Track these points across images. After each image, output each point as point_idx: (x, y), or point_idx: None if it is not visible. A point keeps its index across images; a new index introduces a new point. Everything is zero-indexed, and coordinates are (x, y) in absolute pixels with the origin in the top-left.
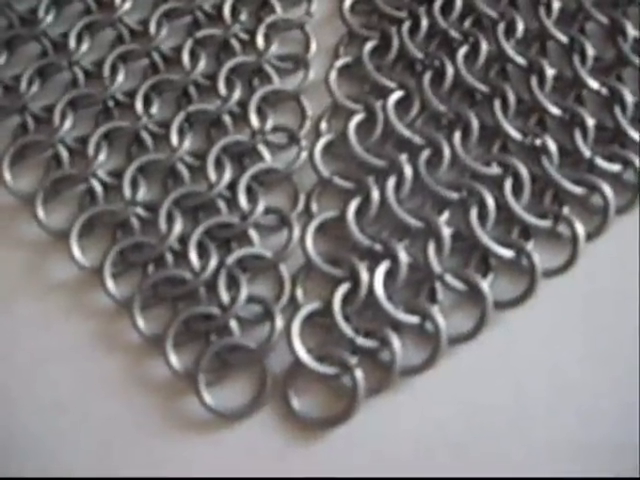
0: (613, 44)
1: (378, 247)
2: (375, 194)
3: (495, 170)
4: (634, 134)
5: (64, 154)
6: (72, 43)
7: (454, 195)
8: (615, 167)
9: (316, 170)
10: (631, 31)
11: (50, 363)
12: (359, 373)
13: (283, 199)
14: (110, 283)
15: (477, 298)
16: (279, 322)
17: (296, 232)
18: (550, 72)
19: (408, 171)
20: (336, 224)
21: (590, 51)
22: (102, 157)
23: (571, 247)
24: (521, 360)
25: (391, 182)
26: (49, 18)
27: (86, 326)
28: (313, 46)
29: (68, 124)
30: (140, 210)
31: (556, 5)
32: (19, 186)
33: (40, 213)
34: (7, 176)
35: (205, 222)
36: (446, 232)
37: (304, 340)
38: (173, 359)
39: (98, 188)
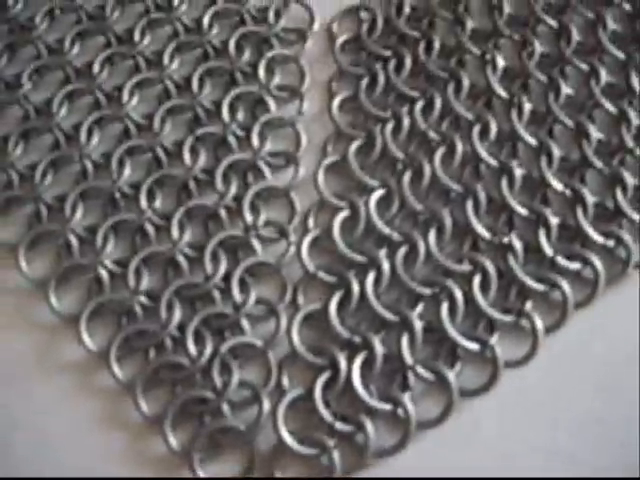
0: (578, 146)
1: (357, 339)
2: (356, 288)
3: (466, 267)
4: (593, 234)
5: (74, 243)
6: (83, 137)
7: (427, 290)
8: (575, 265)
9: (303, 264)
10: (594, 134)
11: (58, 439)
12: (336, 454)
13: (272, 290)
14: (115, 366)
15: (445, 387)
16: (266, 406)
17: (283, 322)
18: (519, 173)
19: (386, 267)
20: (319, 316)
21: (557, 153)
22: (109, 247)
23: (532, 340)
24: (485, 445)
25: (370, 277)
26: (62, 111)
27: (92, 405)
28: (303, 143)
29: (79, 214)
30: (143, 299)
31: (527, 107)
32: (33, 272)
33: (52, 298)
34: (23, 263)
35: (202, 312)
36: (418, 326)
37: (287, 423)
38: (171, 438)
39: (105, 276)
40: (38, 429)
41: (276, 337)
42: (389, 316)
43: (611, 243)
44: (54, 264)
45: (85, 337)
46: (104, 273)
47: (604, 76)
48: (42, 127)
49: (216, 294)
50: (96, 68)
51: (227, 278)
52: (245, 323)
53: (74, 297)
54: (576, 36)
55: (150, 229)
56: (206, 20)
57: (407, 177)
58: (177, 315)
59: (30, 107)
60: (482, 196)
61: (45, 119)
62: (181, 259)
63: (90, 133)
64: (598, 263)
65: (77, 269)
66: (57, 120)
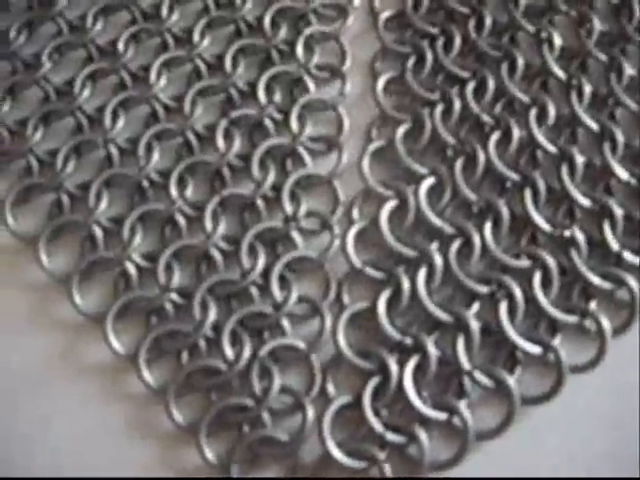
0: None
1: (408, 341)
2: (406, 285)
3: (524, 263)
4: None
5: (99, 235)
6: (107, 120)
7: (484, 288)
8: None
9: (348, 259)
10: None
11: (83, 447)
12: (387, 468)
13: (315, 287)
14: (145, 370)
15: (504, 394)
16: (310, 414)
17: (328, 322)
18: (580, 160)
19: (439, 262)
20: (367, 315)
21: (620, 138)
22: (137, 240)
23: (598, 343)
24: (548, 456)
25: (422, 273)
26: (85, 93)
27: (120, 411)
28: (346, 127)
29: (103, 204)
30: (175, 296)
31: (587, 89)
32: (54, 267)
33: (75, 296)
34: (43, 257)
35: (239, 312)
36: (475, 327)
37: (334, 433)
38: (206, 449)
39: (133, 272)
40: (61, 436)
41: (320, 339)
42: (443, 316)
43: None
44: (77, 258)
45: (112, 338)
46: (131, 268)
47: None
48: (63, 110)
49: (254, 292)
50: (121, 46)
51: (266, 274)
52: (286, 323)
53: (99, 294)
54: (638, 12)
55: (181, 220)
56: None
57: (459, 164)
58: (212, 315)
59: (50, 88)
60: (541, 185)
61: (66, 101)
62: (215, 253)
63: (115, 116)
64: None
65: (102, 263)
66: (79, 102)
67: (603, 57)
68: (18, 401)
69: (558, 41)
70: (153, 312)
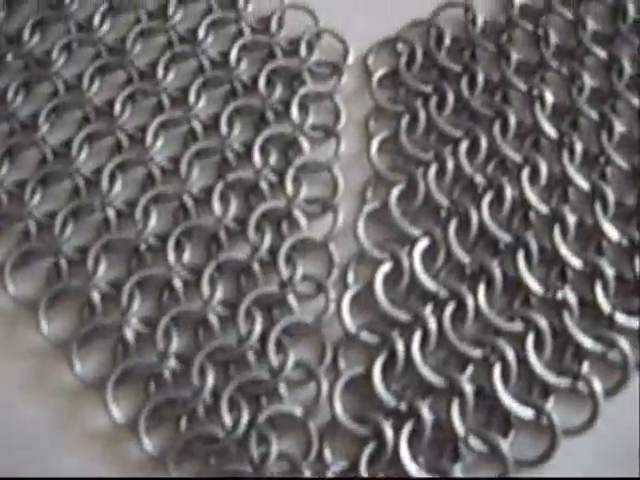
0: (634, 190)
1: (403, 406)
2: (400, 350)
3: (517, 326)
4: None
5: (97, 300)
6: (104, 183)
7: (477, 352)
8: (634, 322)
9: (343, 324)
10: None
11: None
12: None
13: (311, 352)
14: (145, 439)
15: (498, 458)
16: None
17: (324, 387)
18: (572, 220)
19: (433, 325)
20: (362, 380)
21: (611, 198)
22: (136, 305)
23: (591, 405)
24: None
25: (416, 337)
26: (82, 155)
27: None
28: (341, 189)
29: (102, 269)
30: (173, 362)
31: (578, 147)
32: (53, 332)
33: (75, 362)
34: (43, 322)
35: (237, 378)
36: (469, 391)
37: None
38: None
39: (131, 337)
40: None
41: (317, 404)
42: (437, 380)
43: None
44: (76, 323)
45: (112, 406)
46: (130, 334)
47: None
48: (61, 172)
49: (251, 357)
50: (117, 107)
51: (262, 339)
52: (283, 389)
53: (98, 360)
54: (628, 68)
55: (179, 285)
56: (234, 54)
57: (453, 226)
58: (210, 381)
59: (48, 150)
60: (533, 246)
61: (64, 163)
62: (213, 318)
63: (112, 179)
64: None
65: (101, 329)
66: (77, 165)
67: (594, 115)
68: (17, 469)
69: (550, 98)
70: (152, 378)
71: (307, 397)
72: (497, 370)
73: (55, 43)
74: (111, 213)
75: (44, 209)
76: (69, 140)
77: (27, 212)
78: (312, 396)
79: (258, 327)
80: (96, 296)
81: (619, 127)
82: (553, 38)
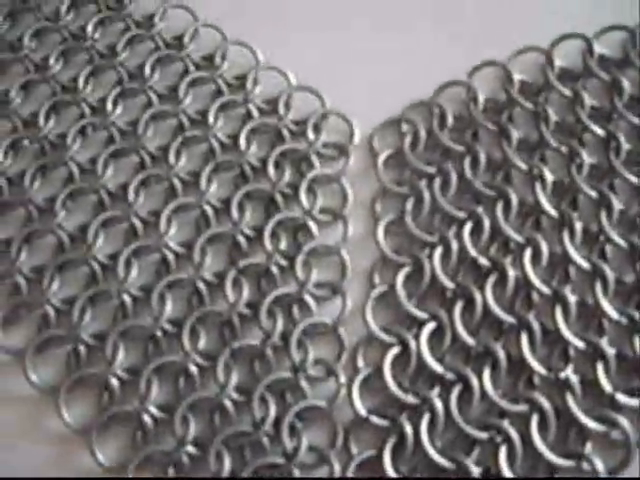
0: (633, 268)
1: None
2: (409, 433)
3: (522, 407)
4: None
5: (116, 386)
6: (120, 269)
7: (483, 435)
8: (636, 402)
9: (354, 408)
10: None
11: None
12: None
13: (323, 435)
14: None
15: None
16: None
17: (337, 470)
18: (573, 300)
19: (440, 408)
20: (373, 463)
21: (611, 276)
22: (154, 392)
23: None
24: None
25: (424, 420)
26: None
27: None
28: (349, 272)
29: (120, 356)
30: (191, 448)
31: (578, 226)
32: (74, 418)
33: (96, 449)
34: (63, 409)
35: (252, 463)
36: (475, 472)
37: None
38: None
39: (149, 423)
40: None
41: None
42: (445, 463)
43: None
44: (96, 410)
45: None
46: (148, 420)
47: None
48: (78, 258)
49: (266, 442)
50: (131, 192)
51: (276, 423)
52: (297, 473)
53: (118, 447)
54: (625, 144)
55: (194, 371)
56: (243, 137)
57: (458, 308)
58: (227, 466)
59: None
60: (536, 327)
61: (81, 249)
62: (228, 404)
63: (128, 264)
64: None
65: (120, 416)
66: (94, 250)
67: (593, 193)
68: None
69: (550, 177)
70: (170, 464)
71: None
72: (503, 452)
73: (70, 127)
74: (127, 299)
75: (62, 295)
76: (85, 225)
77: (46, 299)
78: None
79: (272, 412)
80: (115, 382)
81: (617, 205)
82: (552, 116)
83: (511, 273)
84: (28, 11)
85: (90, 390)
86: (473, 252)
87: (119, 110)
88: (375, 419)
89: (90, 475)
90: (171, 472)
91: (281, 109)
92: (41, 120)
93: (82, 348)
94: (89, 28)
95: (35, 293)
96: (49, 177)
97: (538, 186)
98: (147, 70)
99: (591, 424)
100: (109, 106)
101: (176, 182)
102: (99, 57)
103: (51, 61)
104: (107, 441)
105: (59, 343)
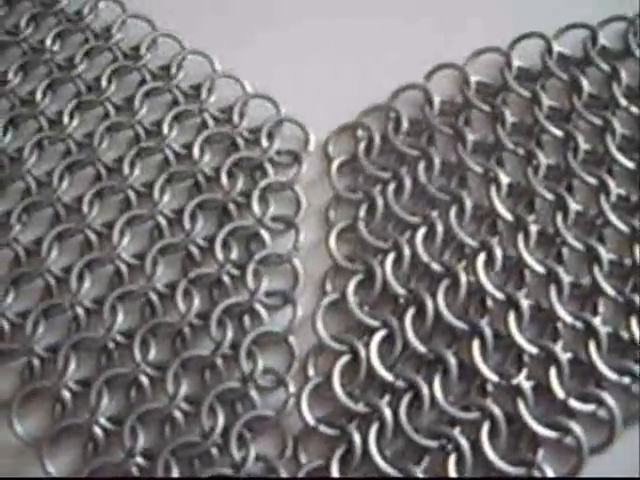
0: (589, 271)
1: None
2: (358, 442)
3: (473, 415)
4: (608, 372)
5: (67, 398)
6: (73, 282)
7: (433, 443)
8: (589, 407)
9: (302, 418)
10: (606, 257)
11: None
12: None
13: (272, 445)
14: None
15: None
16: None
17: None
18: (526, 304)
19: (389, 417)
20: (322, 472)
21: (566, 279)
22: (104, 403)
23: None
24: None
25: (373, 429)
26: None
27: None
28: (301, 280)
29: (72, 367)
30: (139, 459)
31: (534, 229)
32: (25, 431)
33: (46, 461)
34: (15, 422)
35: (201, 474)
36: None
37: None
38: None
39: (100, 435)
40: None
41: None
42: (393, 472)
43: (627, 380)
44: (47, 422)
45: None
46: (99, 432)
47: (614, 189)
48: (32, 272)
49: (214, 452)
50: (85, 205)
51: (225, 434)
52: None
53: (69, 459)
54: (583, 145)
55: (145, 382)
56: (197, 146)
57: (409, 315)
58: (175, 477)
59: (20, 249)
60: (488, 333)
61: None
62: (178, 415)
63: (81, 277)
64: (613, 403)
65: (71, 428)
66: (47, 264)
67: (549, 195)
68: None
69: (505, 180)
70: (119, 475)
71: None
72: (452, 461)
73: (27, 140)
74: (80, 312)
75: (16, 308)
76: (40, 239)
77: (0, 312)
78: None
79: (221, 422)
80: (67, 395)
81: (574, 207)
82: (509, 117)
83: (463, 278)
84: None
85: (43, 403)
86: (425, 258)
87: (75, 122)
88: (324, 428)
89: None
90: None
91: (235, 117)
92: None
93: (36, 361)
94: (48, 41)
95: None
96: (6, 191)
97: (493, 189)
98: (104, 82)
99: (542, 431)
100: (66, 119)
101: (130, 193)
102: (58, 69)
103: (10, 75)
104: (58, 453)
105: (13, 356)
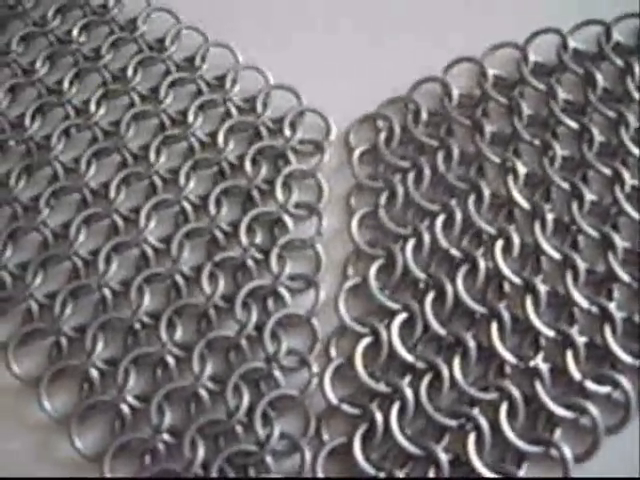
0: (604, 258)
1: (382, 475)
2: (379, 421)
3: (492, 395)
4: (623, 355)
5: (95, 377)
6: (101, 264)
7: (453, 422)
8: (604, 389)
9: (325, 397)
10: (620, 244)
11: None
12: None
13: (295, 423)
14: None
15: None
16: None
17: (307, 457)
18: (543, 289)
19: (410, 397)
20: (344, 450)
21: (582, 266)
22: (131, 382)
23: (562, 471)
24: None
25: (394, 409)
26: (80, 237)
27: None
28: (323, 265)
29: (99, 347)
30: (166, 436)
31: (550, 217)
32: (54, 408)
33: (75, 437)
34: (44, 399)
35: (226, 450)
36: (444, 459)
37: None
38: None
39: (127, 413)
40: None
41: (301, 474)
42: (414, 450)
43: None
44: (76, 400)
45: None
46: (126, 410)
47: (628, 180)
48: (61, 254)
49: (239, 430)
50: (112, 190)
51: (250, 413)
52: (269, 460)
53: (97, 435)
54: (598, 137)
55: (171, 362)
56: (221, 135)
57: (429, 299)
58: (200, 453)
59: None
60: (506, 317)
61: (63, 245)
62: (203, 393)
63: (108, 260)
64: (628, 385)
65: (99, 406)
66: (75, 247)
67: (565, 185)
68: None
69: (522, 170)
70: (146, 452)
71: (292, 466)
72: (472, 439)
73: (55, 128)
74: (107, 293)
75: (45, 290)
76: (68, 223)
77: (29, 293)
78: (297, 465)
79: (245, 401)
80: (94, 373)
81: (589, 196)
82: (525, 109)
83: (482, 264)
84: (15, 17)
85: (71, 381)
86: (445, 243)
87: (102, 111)
88: (346, 407)
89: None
90: (147, 460)
91: (259, 107)
92: (27, 121)
93: (63, 340)
94: (74, 32)
95: (19, 288)
96: (35, 176)
97: (510, 178)
98: (130, 72)
99: (559, 411)
100: (92, 107)
101: (156, 180)
102: (84, 60)
103: (38, 64)
104: (86, 430)
105: (42, 336)
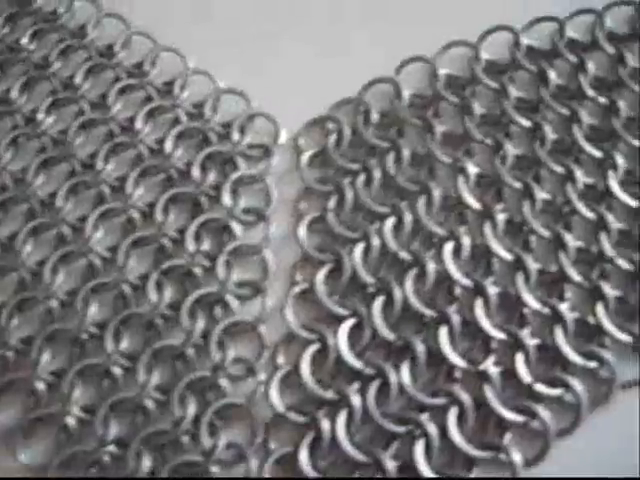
0: (555, 258)
1: None
2: (327, 429)
3: (441, 400)
4: (574, 356)
5: (42, 389)
6: (47, 275)
7: (401, 429)
8: (555, 391)
9: (271, 405)
10: (572, 244)
11: None
12: None
13: (242, 432)
14: None
15: None
16: None
17: (253, 466)
18: (494, 291)
19: (357, 404)
20: (291, 458)
21: (533, 267)
22: (77, 394)
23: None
24: None
25: (342, 416)
26: (27, 247)
27: None
28: (271, 271)
29: (45, 359)
30: (112, 448)
31: (501, 218)
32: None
33: (19, 451)
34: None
35: (172, 461)
36: (392, 468)
37: None
38: None
39: (73, 424)
40: None
41: None
42: (361, 458)
43: (593, 364)
44: (21, 412)
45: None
46: (72, 422)
47: (580, 178)
48: (7, 265)
49: (185, 440)
50: (60, 200)
51: (196, 422)
52: (215, 469)
53: (41, 448)
54: (551, 135)
55: (117, 372)
56: (170, 142)
57: (378, 303)
58: (146, 464)
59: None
60: (456, 320)
61: (10, 256)
62: (149, 403)
63: (55, 270)
64: (580, 387)
65: (45, 418)
66: (22, 257)
67: (517, 184)
68: None
69: (473, 170)
70: (93, 464)
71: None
72: (420, 446)
73: (2, 138)
74: (54, 304)
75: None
76: (15, 234)
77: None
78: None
79: (191, 411)
80: (41, 385)
81: (541, 195)
82: (477, 108)
83: (431, 267)
84: None
85: (17, 395)
86: (394, 247)
87: (51, 120)
88: (293, 415)
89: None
90: (93, 472)
91: (207, 112)
92: None
93: (9, 353)
94: (24, 40)
95: None
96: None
97: (461, 179)
98: (79, 79)
99: (509, 415)
100: (41, 116)
101: (104, 188)
102: (34, 68)
103: None
104: (31, 444)
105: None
